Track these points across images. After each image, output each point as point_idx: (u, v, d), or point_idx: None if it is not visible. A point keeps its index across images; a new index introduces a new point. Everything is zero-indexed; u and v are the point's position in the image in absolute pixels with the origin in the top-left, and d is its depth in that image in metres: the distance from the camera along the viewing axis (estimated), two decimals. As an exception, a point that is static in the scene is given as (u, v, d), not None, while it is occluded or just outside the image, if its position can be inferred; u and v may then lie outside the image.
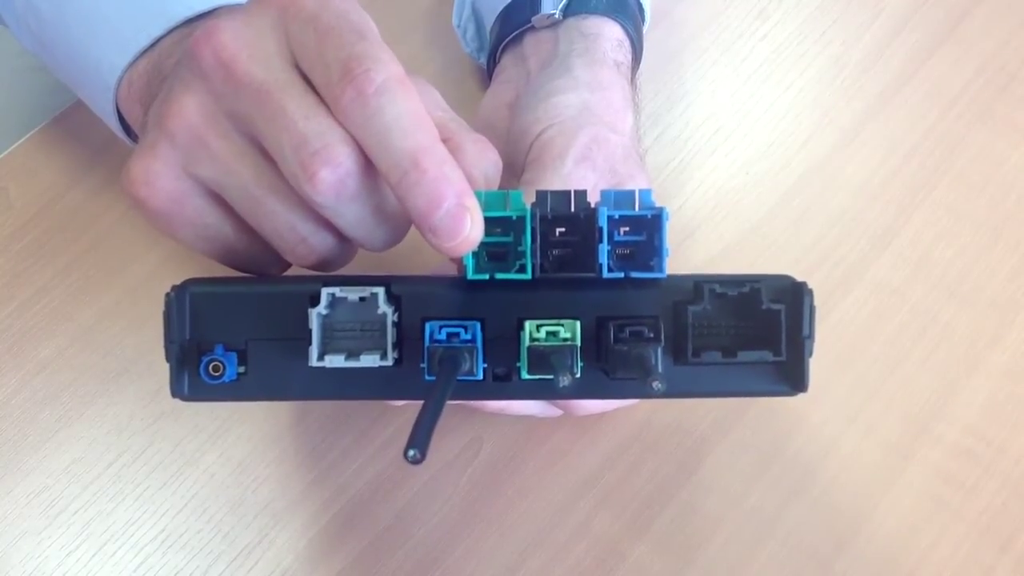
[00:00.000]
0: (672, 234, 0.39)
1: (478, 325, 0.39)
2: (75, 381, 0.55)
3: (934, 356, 0.57)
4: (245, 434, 0.54)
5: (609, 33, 0.56)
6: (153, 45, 0.48)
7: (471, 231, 0.37)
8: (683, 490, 0.53)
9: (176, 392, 0.40)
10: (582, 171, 0.50)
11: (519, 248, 0.39)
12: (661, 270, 0.39)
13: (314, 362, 0.38)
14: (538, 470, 0.54)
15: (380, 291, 0.39)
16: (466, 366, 0.38)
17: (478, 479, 0.53)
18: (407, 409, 0.54)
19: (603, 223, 0.38)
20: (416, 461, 0.32)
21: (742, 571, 0.51)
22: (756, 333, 0.39)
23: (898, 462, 0.54)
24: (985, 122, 0.64)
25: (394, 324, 0.39)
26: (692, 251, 0.60)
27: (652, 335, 0.39)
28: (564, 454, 0.54)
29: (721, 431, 0.55)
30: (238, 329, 0.40)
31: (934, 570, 0.51)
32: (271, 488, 0.53)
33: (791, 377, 0.40)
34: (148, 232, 0.59)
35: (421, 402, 0.35)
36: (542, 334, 0.39)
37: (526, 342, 0.39)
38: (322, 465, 0.54)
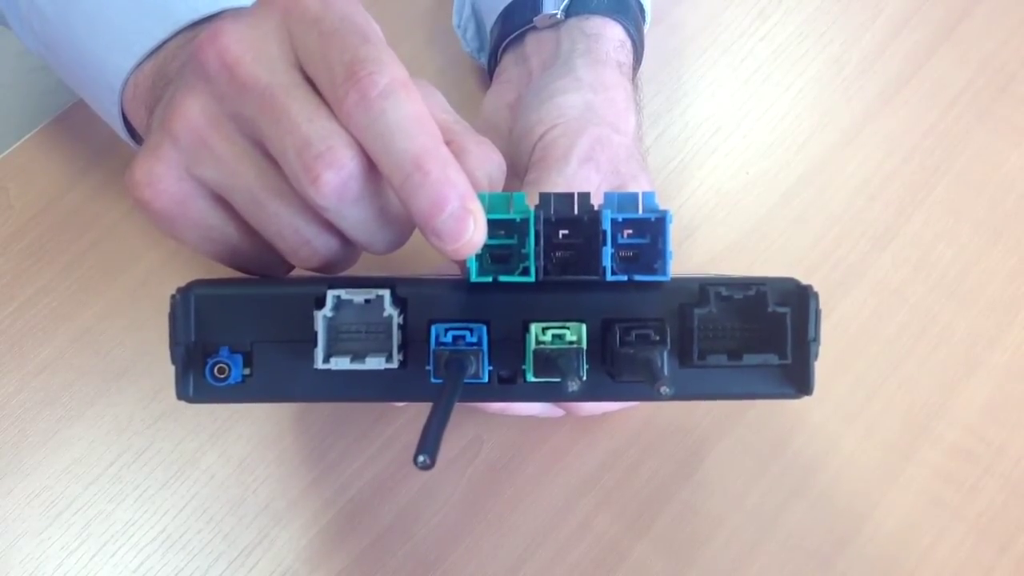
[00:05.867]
0: (672, 234, 0.39)
1: (484, 328, 0.39)
2: (75, 381, 0.55)
3: (934, 356, 0.57)
4: (245, 434, 0.54)
5: (611, 34, 0.56)
6: (158, 48, 0.48)
7: (474, 234, 0.37)
8: (683, 490, 0.53)
9: (181, 394, 0.40)
10: (586, 172, 0.50)
11: (523, 251, 0.39)
12: (665, 273, 0.39)
13: (319, 364, 0.38)
14: (538, 470, 0.54)
15: (386, 293, 0.38)
16: (472, 369, 0.38)
17: (478, 479, 0.53)
18: (407, 409, 0.54)
19: (607, 226, 0.38)
20: (426, 467, 0.32)
21: (742, 571, 0.51)
22: (761, 336, 0.39)
23: (898, 462, 0.54)
24: (985, 122, 0.65)
25: (399, 326, 0.39)
26: (692, 251, 0.60)
27: (658, 338, 0.39)
28: (564, 454, 0.54)
29: (721, 431, 0.55)
30: (243, 331, 0.40)
31: (934, 570, 0.51)
32: (271, 488, 0.53)
33: (796, 380, 0.40)
34: (148, 232, 0.59)
35: (422, 403, 0.35)
36: (548, 337, 0.39)
37: (532, 345, 0.38)
38: (322, 465, 0.54)
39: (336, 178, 0.37)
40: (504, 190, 0.42)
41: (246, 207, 0.40)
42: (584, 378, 0.39)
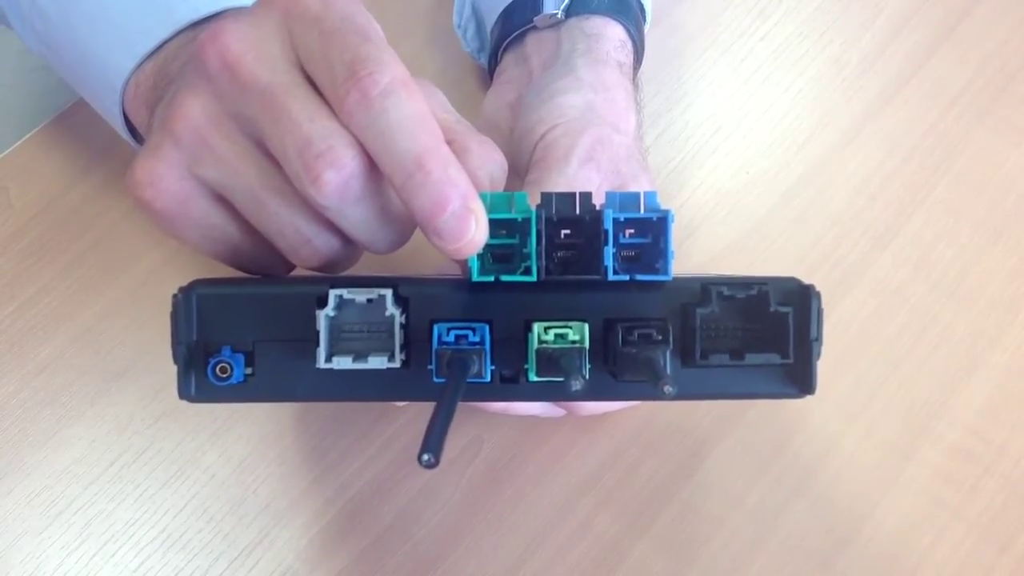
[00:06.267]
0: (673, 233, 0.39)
1: (486, 327, 0.39)
2: (76, 381, 0.55)
3: (934, 356, 0.57)
4: (246, 434, 0.54)
5: (611, 34, 0.56)
6: (159, 48, 0.48)
7: (476, 233, 0.37)
8: (683, 490, 0.53)
9: (183, 394, 0.39)
10: (587, 172, 0.50)
11: (524, 250, 0.39)
12: (666, 272, 0.38)
13: (321, 364, 0.38)
14: (539, 470, 0.54)
15: (388, 293, 0.38)
16: (475, 368, 0.38)
17: (478, 479, 0.53)
18: (408, 409, 0.54)
19: (608, 225, 0.38)
20: (430, 465, 0.32)
21: (742, 571, 0.51)
22: (764, 335, 0.39)
23: (898, 462, 0.54)
24: (985, 122, 0.65)
25: (402, 326, 0.39)
26: (692, 251, 0.60)
27: (660, 337, 0.39)
28: (564, 454, 0.54)
29: (721, 431, 0.55)
30: (245, 330, 0.40)
31: (934, 570, 0.51)
32: (272, 487, 0.53)
33: (799, 379, 0.40)
34: (149, 232, 0.59)
35: (423, 402, 0.35)
36: (550, 336, 0.39)
37: (534, 344, 0.38)
38: (323, 464, 0.54)
39: (337, 177, 0.37)
40: (505, 190, 0.42)
41: (247, 206, 0.40)
42: (587, 377, 0.39)
